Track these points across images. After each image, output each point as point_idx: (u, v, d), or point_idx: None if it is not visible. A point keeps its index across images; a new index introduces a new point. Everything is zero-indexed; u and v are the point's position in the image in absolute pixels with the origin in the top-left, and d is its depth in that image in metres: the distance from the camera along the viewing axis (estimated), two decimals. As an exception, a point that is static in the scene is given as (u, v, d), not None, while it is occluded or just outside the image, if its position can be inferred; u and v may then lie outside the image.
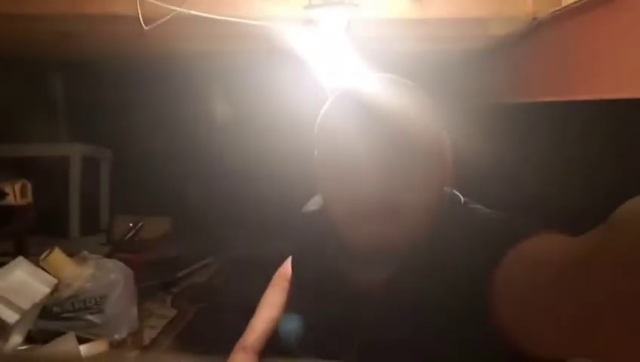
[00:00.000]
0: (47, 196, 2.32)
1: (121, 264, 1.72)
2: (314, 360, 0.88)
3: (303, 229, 1.07)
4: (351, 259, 0.87)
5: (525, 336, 0.61)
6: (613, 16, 1.13)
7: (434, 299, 0.73)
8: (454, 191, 0.89)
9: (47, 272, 1.58)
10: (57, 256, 1.61)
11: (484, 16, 1.48)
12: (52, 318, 1.54)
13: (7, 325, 1.40)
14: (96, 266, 1.64)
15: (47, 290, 1.54)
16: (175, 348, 1.72)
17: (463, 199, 0.87)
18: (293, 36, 1.51)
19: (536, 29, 1.45)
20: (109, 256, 1.86)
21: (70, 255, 1.66)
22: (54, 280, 1.57)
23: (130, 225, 2.25)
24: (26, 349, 1.47)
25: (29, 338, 1.51)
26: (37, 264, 1.58)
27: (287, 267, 1.27)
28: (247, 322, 1.22)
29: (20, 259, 1.57)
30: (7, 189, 1.89)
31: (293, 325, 0.98)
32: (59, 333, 1.51)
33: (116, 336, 1.58)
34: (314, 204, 1.08)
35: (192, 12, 1.35)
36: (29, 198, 1.98)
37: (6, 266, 1.52)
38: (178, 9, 1.34)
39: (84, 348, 1.48)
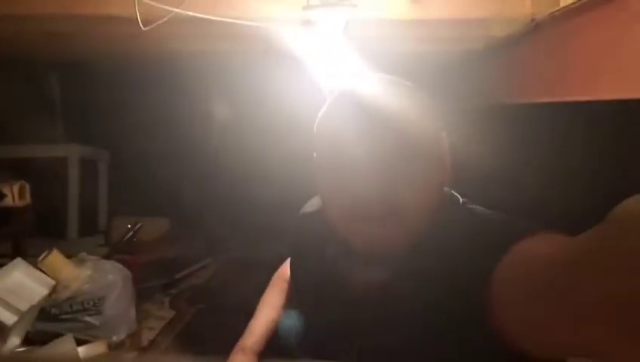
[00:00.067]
0: (45, 197, 2.32)
1: (120, 265, 1.72)
2: (313, 362, 0.88)
3: (301, 231, 1.07)
4: (350, 260, 0.87)
5: (525, 337, 0.61)
6: (611, 16, 1.13)
7: (433, 300, 0.73)
8: (453, 191, 0.89)
9: (45, 274, 1.57)
10: (55, 258, 1.61)
11: (482, 17, 1.48)
12: (50, 320, 1.54)
13: (5, 327, 1.40)
14: (94, 268, 1.64)
15: (45, 292, 1.53)
16: (174, 350, 1.71)
17: (461, 200, 0.87)
18: (292, 37, 1.50)
19: (535, 29, 1.45)
20: (107, 257, 1.86)
21: (68, 256, 1.66)
22: (52, 282, 1.56)
23: (129, 226, 2.24)
24: (24, 351, 1.47)
25: (27, 340, 1.51)
26: (35, 265, 1.58)
27: (285, 268, 1.26)
28: (246, 323, 1.22)
29: (18, 260, 1.57)
30: (6, 190, 1.89)
31: (292, 323, 0.98)
32: (57, 335, 1.50)
33: (114, 338, 1.58)
34: (312, 205, 1.07)
35: (190, 13, 1.34)
36: (27, 200, 1.98)
37: (4, 268, 1.52)
38: (176, 10, 1.34)
39: (82, 350, 1.48)
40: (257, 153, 2.74)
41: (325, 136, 0.84)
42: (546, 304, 0.54)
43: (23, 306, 1.44)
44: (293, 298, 1.20)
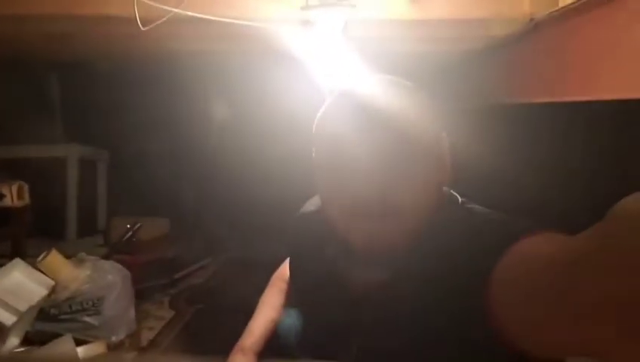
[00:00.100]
0: (45, 197, 2.31)
1: (119, 265, 1.71)
2: (313, 362, 0.88)
3: (300, 231, 1.07)
4: (350, 260, 0.87)
5: (524, 337, 0.61)
6: (610, 16, 1.13)
7: (433, 300, 0.73)
8: (452, 191, 0.89)
9: (45, 274, 1.57)
10: (54, 258, 1.60)
11: (481, 17, 1.48)
12: (49, 320, 1.54)
13: (5, 327, 1.40)
14: (93, 268, 1.64)
15: (44, 292, 1.53)
16: (173, 350, 1.71)
17: (460, 199, 0.87)
18: (290, 37, 1.50)
19: (534, 29, 1.45)
20: (106, 257, 1.86)
21: (67, 256, 1.66)
22: (51, 282, 1.56)
23: (128, 226, 2.24)
24: (23, 351, 1.47)
25: (27, 340, 1.51)
26: (34, 266, 1.58)
27: (285, 268, 1.26)
28: (246, 323, 1.22)
29: (17, 260, 1.57)
30: (4, 191, 1.88)
31: (292, 322, 0.98)
32: (56, 335, 1.50)
33: (114, 338, 1.58)
34: (311, 204, 1.07)
35: (189, 13, 1.34)
36: (26, 200, 1.98)
37: (3, 268, 1.52)
38: (175, 10, 1.33)
39: (81, 350, 1.48)
40: (256, 153, 2.74)
41: (325, 135, 0.84)
42: (546, 304, 0.54)
43: (22, 306, 1.44)
44: (293, 298, 1.20)
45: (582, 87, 1.25)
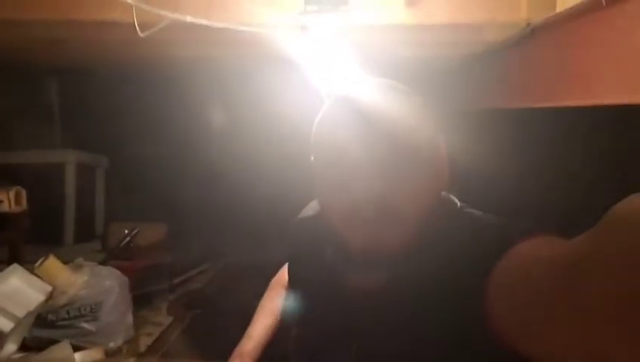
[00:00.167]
0: (42, 203, 2.31)
1: (117, 271, 1.71)
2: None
3: (299, 235, 1.06)
4: (349, 264, 0.87)
5: (524, 339, 0.60)
6: (606, 21, 1.14)
7: (432, 304, 0.73)
8: (450, 195, 0.89)
9: (42, 280, 1.57)
10: (52, 264, 1.60)
11: (478, 22, 1.49)
12: (47, 326, 1.54)
13: (2, 333, 1.39)
14: (91, 273, 1.63)
15: (42, 298, 1.53)
16: (171, 355, 1.71)
17: (459, 203, 0.87)
18: (288, 42, 1.51)
19: (531, 34, 1.45)
20: (103, 263, 1.86)
21: (65, 262, 1.66)
22: (49, 288, 1.56)
23: (126, 231, 2.24)
24: (20, 357, 1.46)
25: (24, 347, 1.50)
26: (32, 271, 1.58)
27: (283, 273, 1.26)
28: (244, 328, 1.21)
29: (15, 266, 1.56)
30: (2, 196, 1.88)
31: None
32: (54, 341, 1.50)
33: (111, 344, 1.57)
34: (310, 209, 1.07)
35: (188, 19, 1.35)
36: (24, 205, 1.98)
37: (0, 274, 1.51)
38: (173, 16, 1.34)
39: (79, 356, 1.47)
40: (254, 157, 2.74)
41: (323, 140, 0.84)
42: (546, 306, 0.54)
43: (20, 312, 1.43)
44: (292, 302, 1.20)
45: (581, 92, 1.25)
